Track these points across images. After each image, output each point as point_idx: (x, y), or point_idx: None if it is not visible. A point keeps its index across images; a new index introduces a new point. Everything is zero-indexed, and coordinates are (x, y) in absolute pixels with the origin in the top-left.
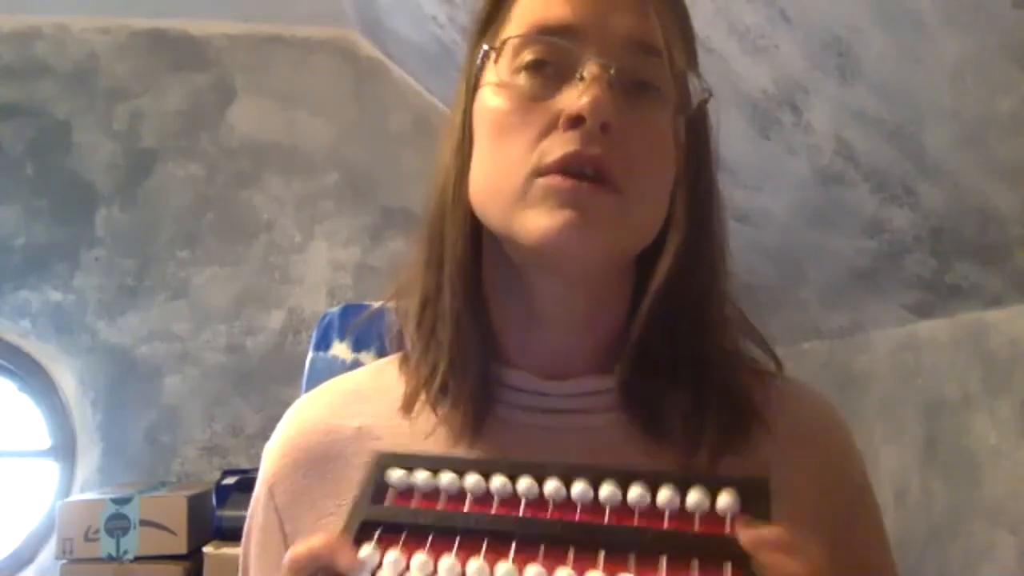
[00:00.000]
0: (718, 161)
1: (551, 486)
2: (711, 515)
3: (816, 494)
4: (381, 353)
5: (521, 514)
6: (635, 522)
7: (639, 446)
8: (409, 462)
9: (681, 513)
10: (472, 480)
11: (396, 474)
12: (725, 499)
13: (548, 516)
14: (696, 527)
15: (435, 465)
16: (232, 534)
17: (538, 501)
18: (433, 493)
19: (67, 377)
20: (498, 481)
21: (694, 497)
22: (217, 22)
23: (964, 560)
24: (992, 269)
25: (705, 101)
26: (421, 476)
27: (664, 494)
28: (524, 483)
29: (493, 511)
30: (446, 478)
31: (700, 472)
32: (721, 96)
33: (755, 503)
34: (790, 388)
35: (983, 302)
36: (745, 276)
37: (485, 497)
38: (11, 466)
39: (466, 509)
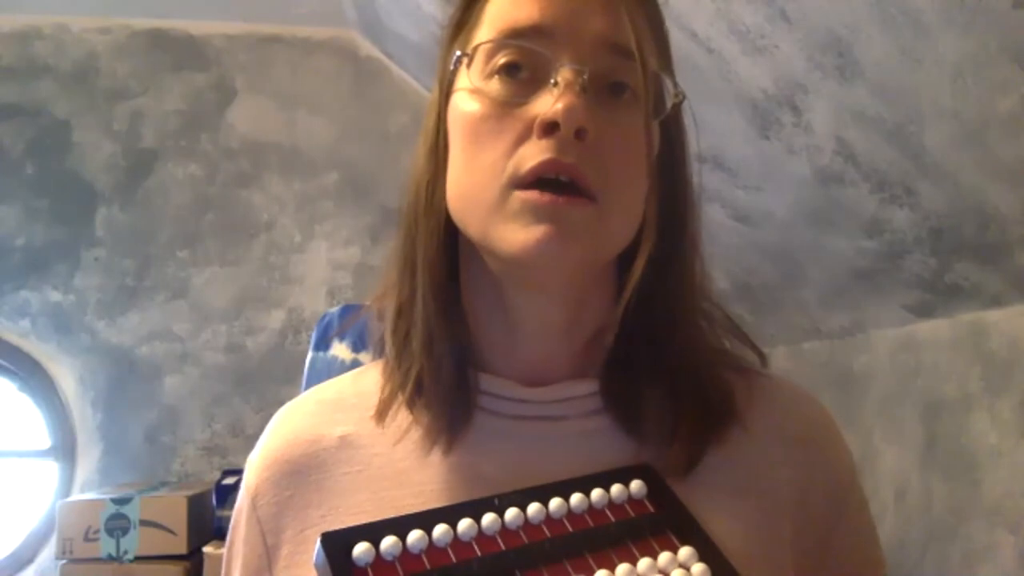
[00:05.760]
0: (694, 162)
1: (511, 513)
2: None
3: (799, 490)
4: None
5: (504, 547)
6: (590, 523)
7: (622, 449)
8: (358, 534)
9: (611, 507)
10: (440, 530)
11: (360, 549)
12: (636, 486)
13: (527, 541)
14: (630, 513)
15: (392, 529)
16: None
17: (503, 532)
18: (407, 556)
19: (67, 377)
20: (465, 523)
21: (615, 490)
22: (217, 22)
23: (964, 560)
24: (992, 269)
25: (679, 103)
26: (388, 542)
27: (595, 493)
28: (488, 519)
29: (479, 553)
30: (413, 536)
31: (596, 474)
32: (721, 96)
33: (655, 484)
34: (775, 386)
35: (983, 302)
36: (745, 276)
37: (459, 544)
38: (11, 466)
39: (454, 559)
